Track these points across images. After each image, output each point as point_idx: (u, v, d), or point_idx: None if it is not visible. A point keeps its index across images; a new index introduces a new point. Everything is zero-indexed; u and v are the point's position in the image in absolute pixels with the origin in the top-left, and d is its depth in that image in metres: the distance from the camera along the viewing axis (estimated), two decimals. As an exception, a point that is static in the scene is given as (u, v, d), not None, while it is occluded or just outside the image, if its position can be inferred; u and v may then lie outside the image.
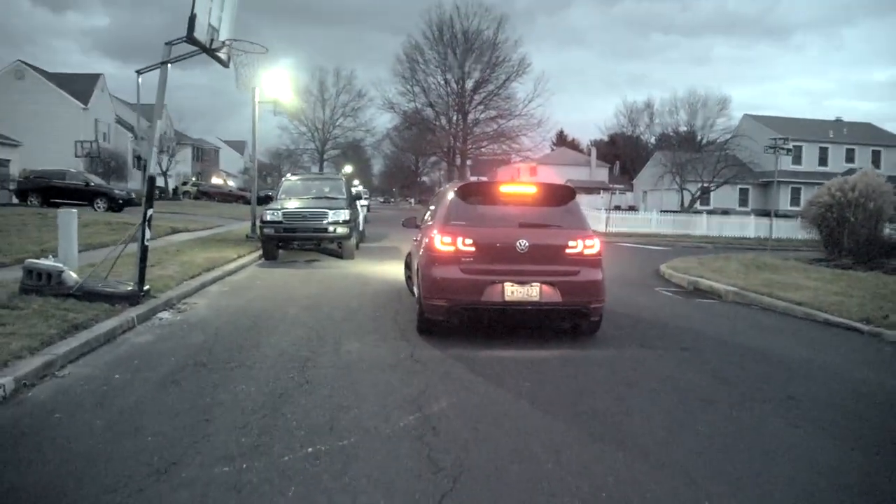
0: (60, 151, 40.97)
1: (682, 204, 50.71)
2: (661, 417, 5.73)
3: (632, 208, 51.26)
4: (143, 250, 10.06)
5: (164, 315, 9.78)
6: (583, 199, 51.98)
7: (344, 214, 17.25)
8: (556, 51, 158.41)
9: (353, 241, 17.65)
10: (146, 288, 10.13)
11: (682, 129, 63.00)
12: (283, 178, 20.90)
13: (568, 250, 8.10)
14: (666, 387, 6.63)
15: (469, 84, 62.80)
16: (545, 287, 7.90)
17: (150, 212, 10.15)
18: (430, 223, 9.16)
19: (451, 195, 8.70)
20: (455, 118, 64.17)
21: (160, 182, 61.03)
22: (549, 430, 5.33)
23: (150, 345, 7.97)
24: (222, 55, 10.60)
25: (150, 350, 7.70)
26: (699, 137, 59.81)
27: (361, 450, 4.83)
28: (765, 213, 42.33)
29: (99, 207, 31.16)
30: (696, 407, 6.05)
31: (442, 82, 63.98)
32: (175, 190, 60.16)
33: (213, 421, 5.38)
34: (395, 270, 15.07)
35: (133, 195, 32.56)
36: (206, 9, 9.79)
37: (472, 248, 7.99)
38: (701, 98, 61.31)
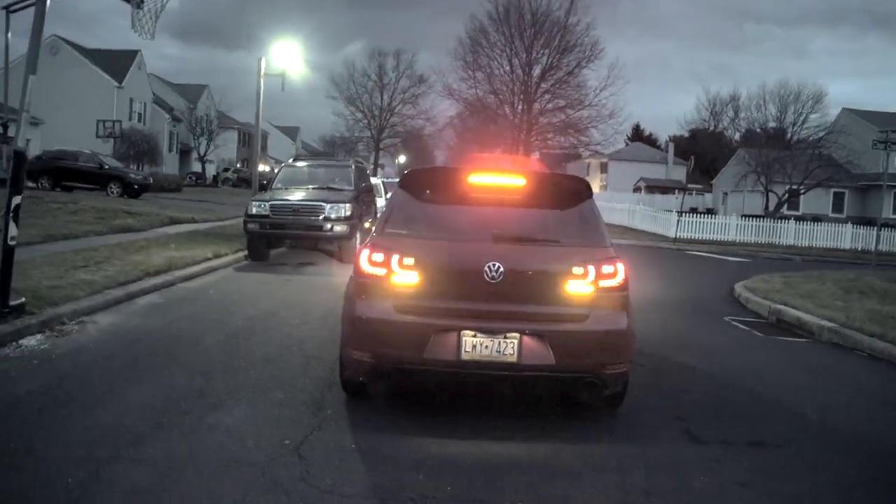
0: (90, 131, 39.57)
1: (767, 208, 46.54)
2: None
3: (710, 211, 47.45)
4: (7, 253, 7.56)
5: (28, 341, 7.37)
6: (657, 200, 48.79)
7: (345, 210, 14.60)
8: (638, 39, 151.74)
9: (354, 241, 14.95)
10: (16, 302, 7.68)
11: (771, 124, 58.38)
12: (282, 164, 18.37)
13: (571, 281, 5.20)
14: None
15: (536, 70, 59.51)
16: (529, 340, 5.05)
17: (16, 201, 7.62)
18: None
19: (397, 188, 5.92)
20: (520, 107, 60.98)
21: (197, 168, 60.06)
22: None
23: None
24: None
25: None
26: (789, 135, 55.23)
27: None
28: (863, 221, 38.18)
29: (112, 192, 29.42)
30: None
31: (507, 68, 60.82)
32: (215, 177, 58.79)
33: None
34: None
35: (151, 180, 30.73)
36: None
37: (415, 273, 5.18)
38: (793, 91, 56.61)
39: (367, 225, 15.62)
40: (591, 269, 5.22)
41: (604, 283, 5.25)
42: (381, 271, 5.23)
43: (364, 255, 5.34)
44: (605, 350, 5.21)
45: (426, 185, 5.83)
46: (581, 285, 5.21)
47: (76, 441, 4.73)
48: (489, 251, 5.18)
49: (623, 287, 5.34)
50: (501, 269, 5.08)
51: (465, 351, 5.04)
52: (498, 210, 5.63)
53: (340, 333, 5.65)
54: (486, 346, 5.04)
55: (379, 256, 5.25)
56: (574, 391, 5.55)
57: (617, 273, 5.30)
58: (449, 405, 5.88)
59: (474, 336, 5.05)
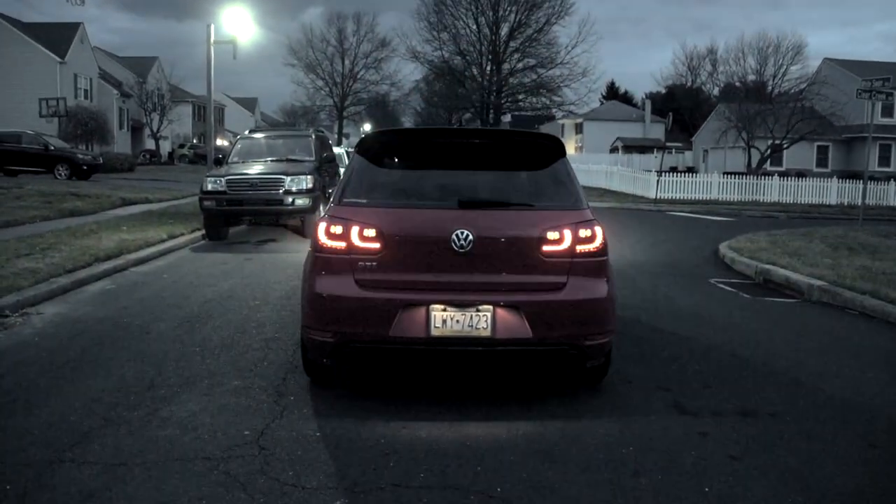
0: (32, 111, 38.60)
1: (749, 164, 46.71)
2: None
3: (690, 169, 47.49)
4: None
5: (-43, 337, 7.09)
6: (635, 160, 48.82)
7: (306, 181, 14.34)
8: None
9: (317, 215, 14.70)
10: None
11: (750, 77, 58.52)
12: (237, 137, 18.00)
13: (546, 247, 5.05)
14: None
15: (504, 29, 59.18)
16: (503, 312, 4.90)
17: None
18: None
19: (354, 154, 5.70)
20: (489, 68, 60.69)
21: (151, 145, 59.14)
22: None
23: None
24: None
25: None
26: (770, 88, 55.35)
27: None
28: (848, 175, 38.42)
29: (60, 174, 28.87)
30: None
31: (474, 27, 60.45)
32: (171, 154, 57.75)
33: None
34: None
35: (101, 160, 30.14)
36: None
37: (377, 245, 5.00)
38: (772, 42, 56.68)
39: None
40: (567, 233, 5.06)
41: (581, 249, 5.10)
42: (340, 244, 5.04)
43: (322, 227, 5.14)
44: (585, 320, 5.07)
45: (385, 149, 5.63)
46: (557, 251, 5.06)
47: (16, 444, 4.53)
48: (456, 218, 5.00)
49: (602, 252, 5.20)
50: (470, 236, 4.91)
51: (435, 326, 4.88)
52: (464, 173, 5.45)
53: (302, 314, 5.47)
54: (458, 321, 4.88)
55: (338, 228, 5.06)
56: (554, 365, 5.42)
57: (595, 237, 5.15)
58: (420, 386, 5.73)
59: (444, 310, 4.89)
